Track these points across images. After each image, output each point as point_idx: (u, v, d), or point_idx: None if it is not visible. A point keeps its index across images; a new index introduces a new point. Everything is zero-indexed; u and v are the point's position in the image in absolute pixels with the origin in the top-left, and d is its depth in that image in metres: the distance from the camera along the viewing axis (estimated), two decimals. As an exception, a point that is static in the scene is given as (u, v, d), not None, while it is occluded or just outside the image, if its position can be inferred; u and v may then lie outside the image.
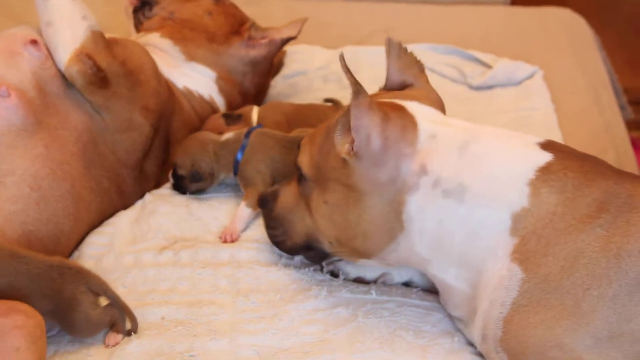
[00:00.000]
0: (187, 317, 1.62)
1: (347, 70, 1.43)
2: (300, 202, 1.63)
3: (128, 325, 1.60)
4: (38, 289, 1.52)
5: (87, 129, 1.86)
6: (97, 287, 1.57)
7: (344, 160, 1.49)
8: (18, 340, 1.38)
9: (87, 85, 1.84)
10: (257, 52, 2.29)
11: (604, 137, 2.16)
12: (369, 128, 1.45)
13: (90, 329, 1.58)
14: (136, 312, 1.62)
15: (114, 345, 1.56)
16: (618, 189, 1.45)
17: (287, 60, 2.52)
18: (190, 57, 2.23)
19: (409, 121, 1.51)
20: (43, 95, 1.80)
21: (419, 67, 1.67)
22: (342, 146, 1.50)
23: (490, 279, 1.48)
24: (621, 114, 2.36)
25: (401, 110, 1.53)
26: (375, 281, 1.73)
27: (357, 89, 1.42)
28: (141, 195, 2.01)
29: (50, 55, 1.86)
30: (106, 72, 1.87)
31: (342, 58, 1.45)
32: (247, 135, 2.00)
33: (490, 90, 2.39)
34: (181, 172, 2.00)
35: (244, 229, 1.86)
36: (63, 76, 1.85)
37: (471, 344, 1.57)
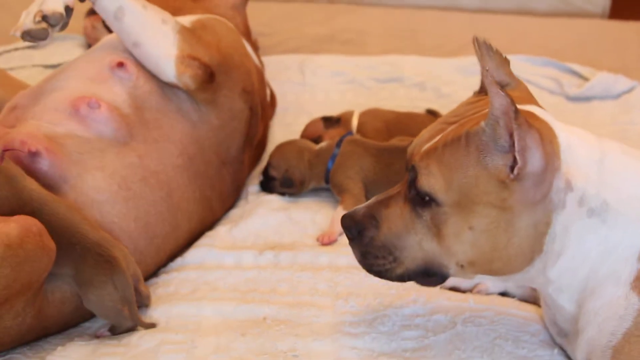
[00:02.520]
0: (288, 318, 1.64)
1: (495, 84, 1.33)
2: (413, 226, 1.49)
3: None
4: (65, 252, 1.55)
5: (194, 140, 1.87)
6: (120, 284, 1.58)
7: (502, 183, 1.40)
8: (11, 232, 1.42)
9: (201, 85, 1.84)
10: None
11: None
12: (532, 148, 1.37)
13: (102, 313, 1.60)
14: (239, 310, 1.65)
15: (99, 335, 1.59)
16: None
17: (378, 65, 2.55)
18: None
19: (551, 131, 1.43)
20: (140, 112, 1.81)
21: (508, 64, 1.58)
22: (500, 169, 1.39)
23: (603, 306, 1.43)
24: None
25: (539, 119, 1.45)
26: (470, 290, 1.73)
27: (514, 107, 1.32)
28: (237, 192, 2.04)
29: (142, 72, 1.84)
30: (211, 65, 1.87)
31: (485, 71, 1.37)
32: (339, 144, 2.03)
33: (588, 102, 2.36)
34: (274, 173, 2.03)
35: (342, 233, 1.87)
36: (161, 90, 1.85)
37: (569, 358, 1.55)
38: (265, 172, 2.07)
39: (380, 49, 2.57)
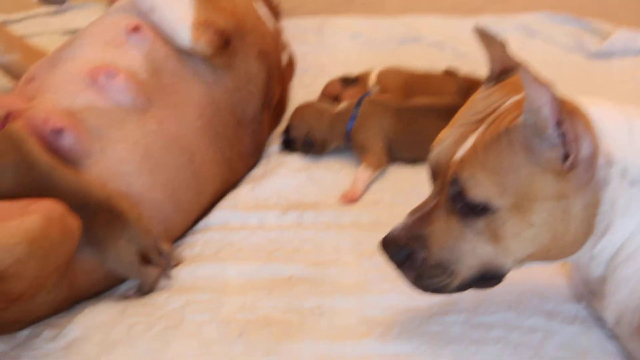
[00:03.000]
0: (313, 276, 1.67)
1: (534, 78, 1.30)
2: (464, 237, 1.44)
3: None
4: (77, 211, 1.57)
5: (210, 101, 1.89)
6: (134, 235, 1.61)
7: (558, 175, 1.37)
8: (34, 220, 1.43)
9: (216, 50, 1.86)
10: None
11: None
12: (583, 134, 1.37)
13: (123, 270, 1.63)
14: (264, 269, 1.69)
15: (125, 297, 1.63)
16: None
17: (396, 25, 2.58)
18: None
19: (583, 114, 1.42)
20: (158, 76, 1.82)
21: (506, 46, 1.54)
22: (552, 162, 1.36)
23: (638, 270, 1.44)
24: None
25: (571, 104, 1.44)
26: None
27: (557, 96, 1.31)
28: (258, 153, 2.07)
29: (157, 36, 1.86)
30: (227, 31, 1.88)
31: (521, 67, 1.32)
32: (358, 104, 2.05)
33: (608, 59, 2.38)
34: (295, 134, 2.06)
35: (364, 190, 1.92)
36: (177, 54, 1.86)
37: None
38: (287, 133, 2.10)
39: (398, 9, 2.61)
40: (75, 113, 1.71)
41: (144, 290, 1.64)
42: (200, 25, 1.84)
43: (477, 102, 1.48)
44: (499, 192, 1.37)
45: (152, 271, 1.64)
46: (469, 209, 1.39)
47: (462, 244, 1.43)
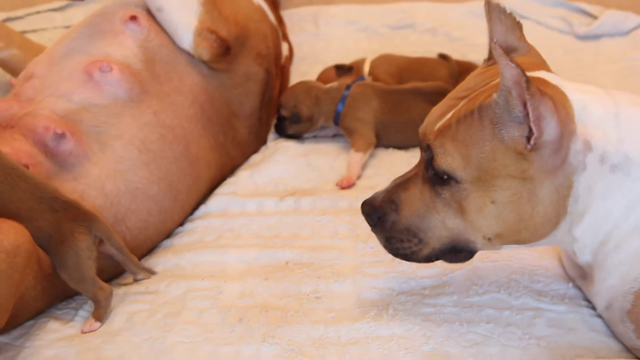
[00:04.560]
0: (310, 261, 1.71)
1: (504, 55, 1.31)
2: (434, 205, 1.50)
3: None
4: (38, 213, 1.60)
5: (202, 89, 1.95)
6: (101, 232, 1.63)
7: (520, 154, 1.41)
8: None
9: (214, 57, 1.93)
10: None
11: None
12: (547, 116, 1.38)
13: (78, 274, 1.61)
14: (262, 255, 1.73)
15: (87, 332, 1.58)
16: None
17: (391, 12, 2.63)
18: None
19: (563, 96, 1.44)
20: (151, 65, 1.88)
21: (520, 27, 1.57)
22: (516, 141, 1.39)
23: (628, 257, 1.47)
24: None
25: (550, 85, 1.45)
26: None
27: (525, 77, 1.32)
28: (257, 145, 2.12)
29: (153, 26, 1.92)
30: (228, 40, 1.95)
31: (492, 42, 1.36)
32: (348, 87, 2.10)
33: (597, 40, 2.42)
34: (283, 112, 2.11)
35: (359, 175, 1.96)
36: (171, 43, 1.92)
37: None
38: (278, 114, 2.15)
39: None
40: (74, 114, 1.77)
41: (101, 314, 1.61)
42: (203, 31, 1.92)
43: (471, 78, 1.52)
44: (463, 164, 1.41)
45: (105, 286, 1.63)
46: (438, 178, 1.44)
47: (432, 213, 1.47)
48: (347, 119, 2.08)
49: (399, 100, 2.07)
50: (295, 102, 2.11)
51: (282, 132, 2.15)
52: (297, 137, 2.14)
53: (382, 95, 2.09)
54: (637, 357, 1.50)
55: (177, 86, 1.91)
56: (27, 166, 1.67)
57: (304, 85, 2.17)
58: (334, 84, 2.17)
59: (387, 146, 2.13)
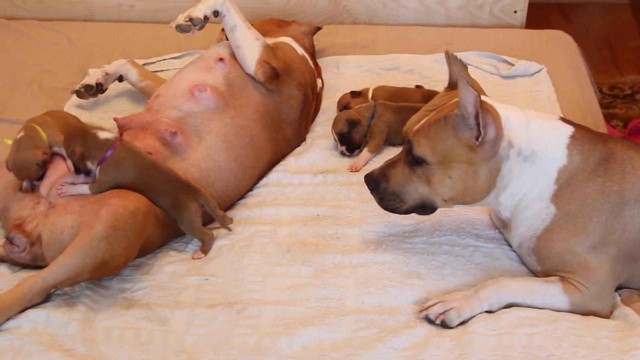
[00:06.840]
0: (332, 214, 1.96)
1: (467, 83, 1.51)
2: (411, 178, 1.69)
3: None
4: (164, 191, 1.82)
5: (262, 103, 2.20)
6: (202, 199, 1.83)
7: (470, 148, 1.59)
8: (109, 213, 1.65)
9: (267, 79, 2.20)
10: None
11: (585, 109, 2.43)
12: (490, 125, 1.58)
13: (191, 227, 1.83)
14: (302, 211, 1.96)
15: (196, 258, 1.83)
16: (608, 149, 1.67)
17: (385, 60, 2.84)
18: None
19: (496, 111, 1.62)
20: (231, 88, 2.10)
21: (466, 68, 1.70)
22: (468, 139, 1.58)
23: (533, 214, 1.68)
24: (595, 96, 2.67)
25: (488, 104, 1.62)
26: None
27: (480, 99, 1.50)
28: (299, 141, 2.36)
29: (233, 64, 2.18)
30: (277, 69, 2.21)
31: (459, 75, 1.56)
32: (375, 107, 2.31)
33: (514, 79, 2.67)
34: (343, 128, 2.29)
35: (364, 165, 2.23)
36: (244, 75, 2.18)
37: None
38: (340, 136, 2.28)
39: (386, 50, 2.90)
40: (182, 118, 2.01)
41: (206, 249, 1.85)
42: (262, 61, 2.20)
43: (436, 99, 1.72)
44: (432, 152, 1.62)
45: (208, 232, 1.86)
46: (414, 161, 1.64)
47: (410, 183, 1.68)
48: (372, 128, 2.27)
49: (407, 114, 2.06)
50: (357, 118, 2.26)
51: (352, 145, 2.26)
52: (359, 146, 2.27)
53: (396, 110, 2.27)
54: (537, 276, 1.73)
55: (246, 101, 2.15)
56: (150, 154, 1.90)
57: (348, 111, 2.33)
58: (363, 105, 2.34)
59: (389, 145, 2.29)
